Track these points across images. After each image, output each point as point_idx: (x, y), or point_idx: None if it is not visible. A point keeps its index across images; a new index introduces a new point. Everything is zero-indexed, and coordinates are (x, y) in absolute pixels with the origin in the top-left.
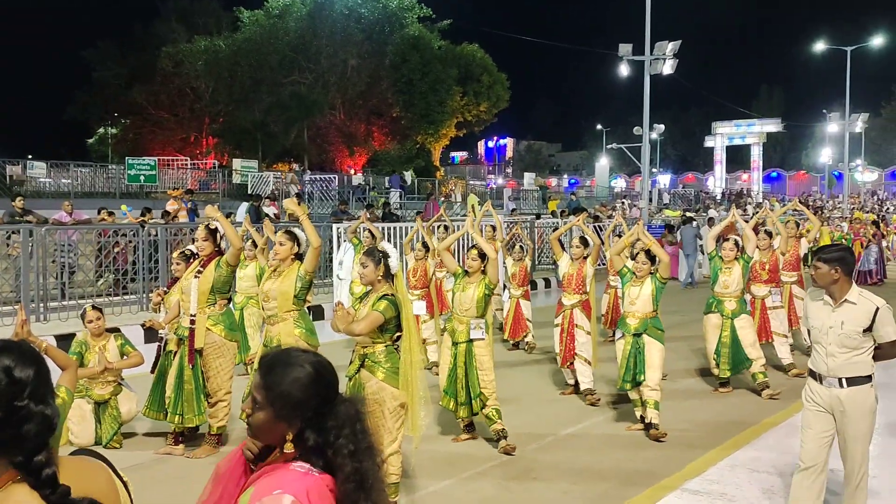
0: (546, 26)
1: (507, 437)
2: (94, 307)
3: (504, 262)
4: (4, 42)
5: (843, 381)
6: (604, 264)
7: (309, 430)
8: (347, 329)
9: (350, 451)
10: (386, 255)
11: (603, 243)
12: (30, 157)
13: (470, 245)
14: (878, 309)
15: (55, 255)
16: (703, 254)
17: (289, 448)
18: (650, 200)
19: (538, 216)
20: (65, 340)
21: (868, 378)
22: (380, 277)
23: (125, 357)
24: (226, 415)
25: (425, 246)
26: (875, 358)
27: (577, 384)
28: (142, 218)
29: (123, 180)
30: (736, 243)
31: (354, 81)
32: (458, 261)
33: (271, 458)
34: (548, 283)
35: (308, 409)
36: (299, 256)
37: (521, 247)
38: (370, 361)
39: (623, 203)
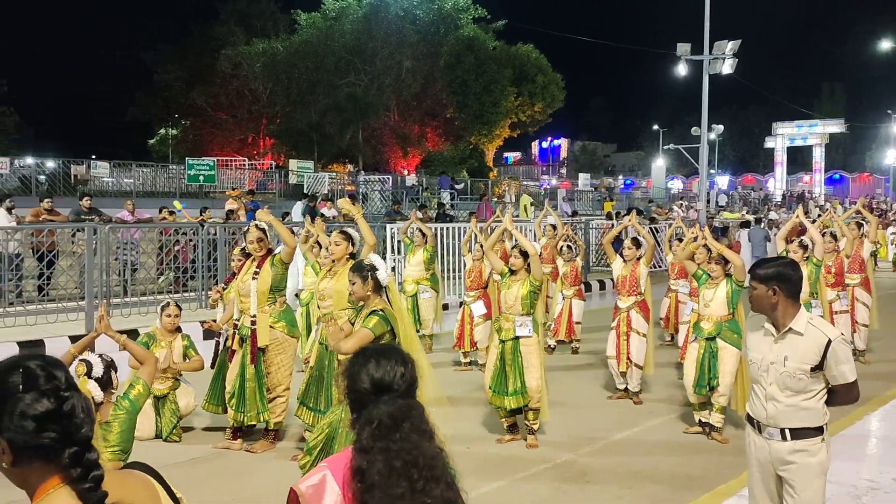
0: (602, 26)
1: (536, 435)
2: (176, 304)
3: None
4: (69, 45)
5: (787, 432)
6: (660, 266)
7: (353, 413)
8: (336, 347)
9: (361, 447)
10: (374, 269)
11: (659, 245)
12: (93, 157)
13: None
14: (829, 342)
15: (118, 253)
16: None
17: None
18: (708, 202)
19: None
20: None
21: (818, 430)
22: (369, 293)
23: (187, 360)
24: (283, 411)
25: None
26: (828, 403)
27: (626, 388)
28: (200, 217)
29: (183, 180)
30: (802, 245)
31: (409, 83)
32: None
33: None
34: (602, 286)
35: (353, 394)
36: (354, 256)
37: (571, 247)
38: None
39: (681, 205)
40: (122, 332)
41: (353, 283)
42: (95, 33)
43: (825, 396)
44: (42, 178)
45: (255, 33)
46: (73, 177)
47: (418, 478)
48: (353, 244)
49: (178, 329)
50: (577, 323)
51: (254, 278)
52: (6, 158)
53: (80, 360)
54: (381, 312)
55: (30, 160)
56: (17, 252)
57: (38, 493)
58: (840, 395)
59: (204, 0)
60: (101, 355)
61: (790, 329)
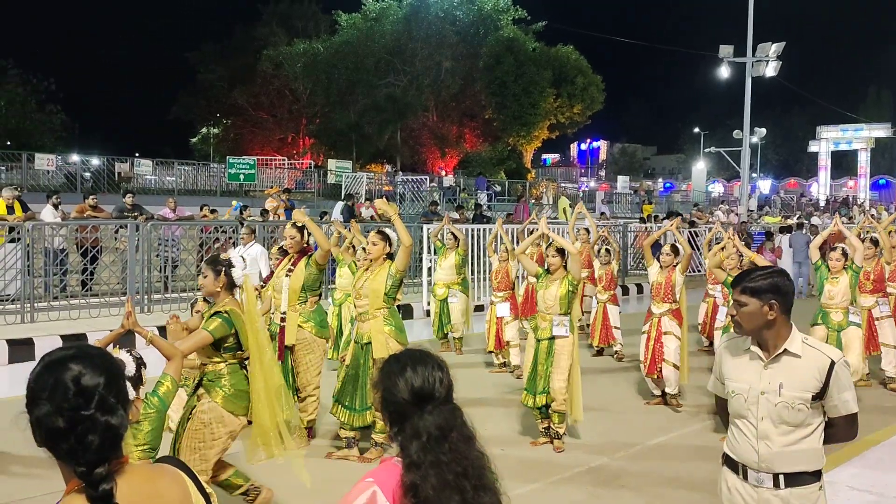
0: (643, 27)
1: (562, 439)
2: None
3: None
4: (115, 45)
5: (781, 478)
6: (698, 271)
7: (394, 427)
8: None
9: (411, 462)
10: (230, 265)
11: (698, 249)
12: (137, 154)
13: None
14: (832, 364)
15: (159, 249)
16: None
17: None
18: (758, 206)
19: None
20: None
21: (816, 475)
22: (220, 289)
23: None
24: (315, 409)
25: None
26: (824, 440)
27: (664, 394)
28: (240, 215)
29: (224, 178)
30: (844, 252)
31: (448, 83)
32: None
33: None
34: (640, 289)
35: (392, 406)
36: (390, 256)
37: (607, 250)
38: (207, 380)
39: (724, 209)
40: (162, 328)
41: (205, 277)
42: (141, 33)
43: (823, 434)
44: (87, 175)
45: (296, 34)
46: (117, 174)
47: (469, 488)
48: (390, 244)
49: None
50: (616, 328)
51: (287, 275)
52: (53, 156)
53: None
54: (225, 314)
55: (75, 157)
56: (62, 247)
57: (66, 489)
58: (839, 430)
59: (247, 1)
60: (129, 351)
61: (785, 351)
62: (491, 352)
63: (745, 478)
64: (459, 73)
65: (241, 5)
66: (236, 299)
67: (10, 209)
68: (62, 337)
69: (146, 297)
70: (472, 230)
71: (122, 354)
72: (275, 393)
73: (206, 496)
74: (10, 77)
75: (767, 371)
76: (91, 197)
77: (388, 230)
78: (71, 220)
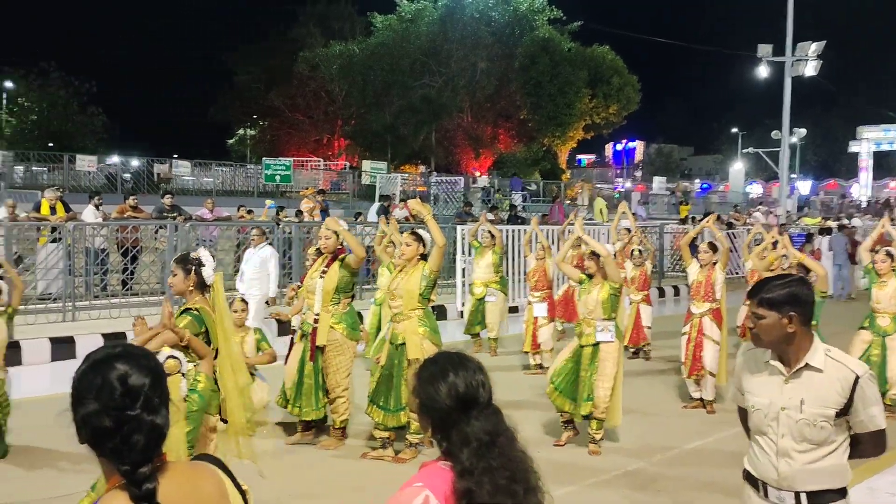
0: (680, 26)
1: (599, 444)
2: (242, 299)
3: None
4: (153, 48)
5: (803, 497)
6: (737, 273)
7: (438, 433)
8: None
9: (463, 469)
10: (200, 264)
11: (737, 251)
12: (175, 156)
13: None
14: (857, 379)
15: (197, 249)
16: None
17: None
18: (797, 208)
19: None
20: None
21: (841, 493)
22: (191, 288)
23: (260, 353)
24: (346, 409)
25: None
26: (849, 455)
27: (703, 398)
28: (276, 216)
29: (261, 179)
30: (888, 254)
31: (483, 84)
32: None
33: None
34: (677, 291)
35: (435, 413)
36: (424, 256)
37: (641, 251)
38: None
39: (760, 209)
40: None
41: (175, 275)
42: (180, 36)
43: (848, 449)
44: (127, 176)
45: (332, 35)
46: (156, 175)
47: (521, 491)
48: (423, 245)
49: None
50: (647, 328)
51: (321, 276)
52: (94, 157)
53: (170, 357)
54: (195, 311)
55: (116, 159)
56: (102, 247)
57: (108, 486)
58: (866, 446)
59: (283, 3)
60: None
61: (806, 365)
62: (527, 352)
63: (766, 495)
64: (495, 73)
65: (278, 7)
66: (206, 298)
67: (53, 209)
68: (103, 335)
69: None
70: (508, 231)
71: (176, 352)
72: (243, 392)
73: (242, 492)
74: (52, 80)
75: (788, 386)
76: (131, 197)
77: (421, 231)
78: (112, 221)
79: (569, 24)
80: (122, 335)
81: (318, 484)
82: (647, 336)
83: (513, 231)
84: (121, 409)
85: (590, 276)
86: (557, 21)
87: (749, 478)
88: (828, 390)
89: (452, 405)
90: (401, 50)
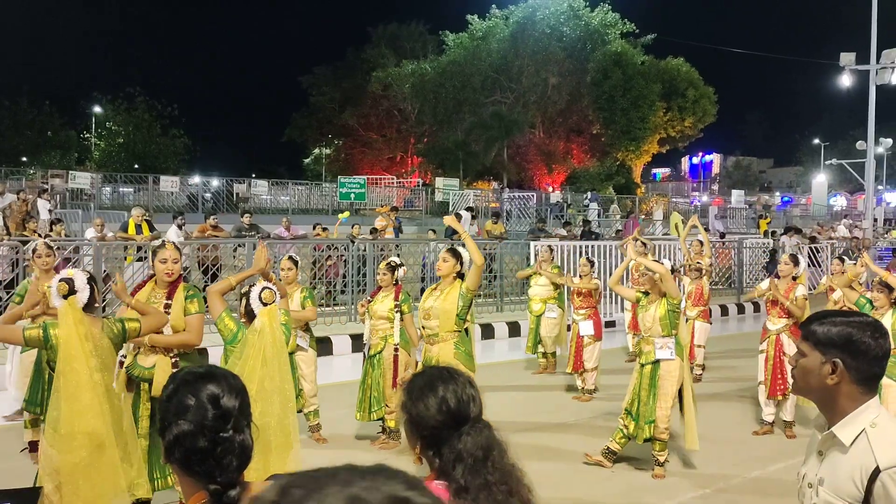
0: (758, 35)
1: (664, 466)
2: (290, 257)
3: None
4: (232, 71)
5: None
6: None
7: (428, 450)
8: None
9: (459, 487)
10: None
11: (820, 266)
12: (253, 175)
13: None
14: (876, 472)
15: (275, 267)
16: None
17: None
18: (884, 221)
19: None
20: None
21: None
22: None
23: (304, 310)
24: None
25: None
26: None
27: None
28: (351, 232)
29: (336, 197)
30: None
31: (554, 99)
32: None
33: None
34: (756, 308)
35: (425, 429)
36: (461, 275)
37: (697, 266)
38: None
39: (845, 223)
40: None
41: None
42: (257, 60)
43: None
44: (208, 195)
45: (404, 55)
46: (234, 194)
47: None
48: (460, 262)
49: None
50: (700, 346)
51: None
52: (177, 178)
53: (265, 288)
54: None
55: (197, 179)
56: (184, 266)
57: (190, 502)
58: None
59: (357, 24)
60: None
61: (833, 437)
62: (570, 373)
63: None
64: (566, 88)
65: (352, 29)
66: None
67: (139, 229)
68: None
69: None
70: (585, 247)
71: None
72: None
73: None
74: (137, 104)
75: (821, 457)
76: (212, 217)
77: (458, 248)
78: (194, 240)
79: (642, 36)
80: (203, 352)
81: None
82: (697, 356)
83: (586, 247)
84: (215, 431)
85: (646, 293)
86: (630, 34)
87: None
88: (845, 478)
89: (443, 420)
90: (472, 67)
